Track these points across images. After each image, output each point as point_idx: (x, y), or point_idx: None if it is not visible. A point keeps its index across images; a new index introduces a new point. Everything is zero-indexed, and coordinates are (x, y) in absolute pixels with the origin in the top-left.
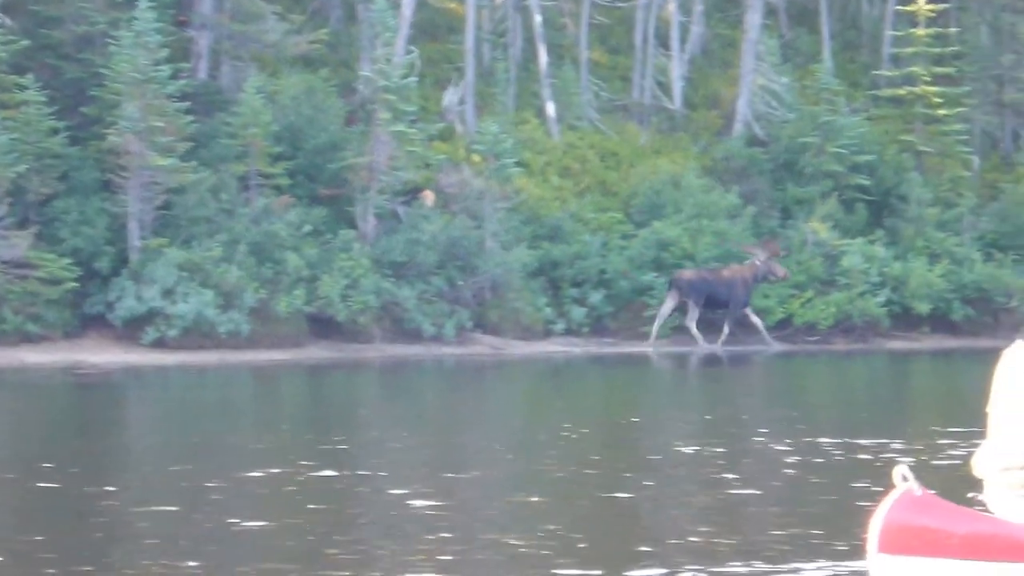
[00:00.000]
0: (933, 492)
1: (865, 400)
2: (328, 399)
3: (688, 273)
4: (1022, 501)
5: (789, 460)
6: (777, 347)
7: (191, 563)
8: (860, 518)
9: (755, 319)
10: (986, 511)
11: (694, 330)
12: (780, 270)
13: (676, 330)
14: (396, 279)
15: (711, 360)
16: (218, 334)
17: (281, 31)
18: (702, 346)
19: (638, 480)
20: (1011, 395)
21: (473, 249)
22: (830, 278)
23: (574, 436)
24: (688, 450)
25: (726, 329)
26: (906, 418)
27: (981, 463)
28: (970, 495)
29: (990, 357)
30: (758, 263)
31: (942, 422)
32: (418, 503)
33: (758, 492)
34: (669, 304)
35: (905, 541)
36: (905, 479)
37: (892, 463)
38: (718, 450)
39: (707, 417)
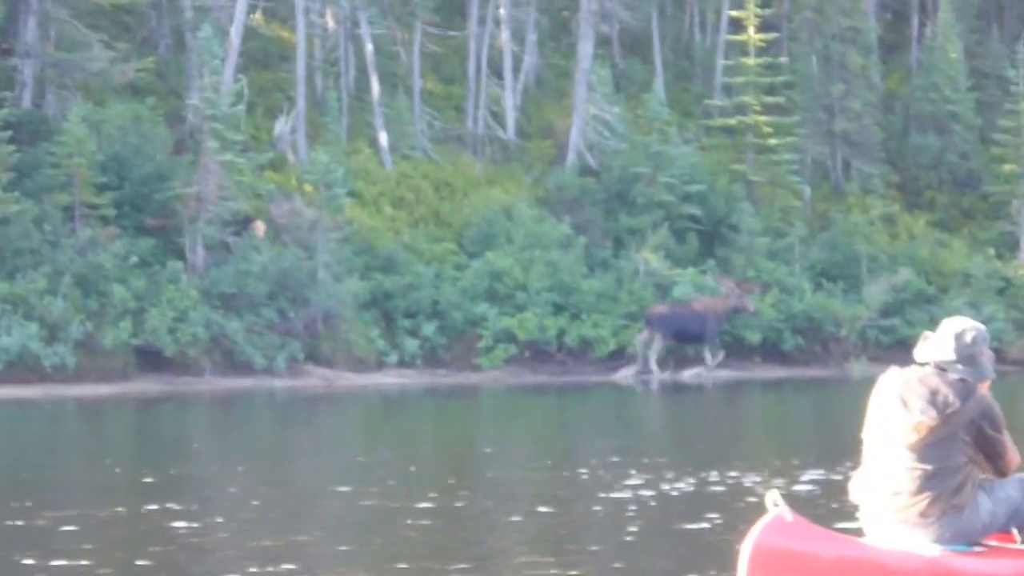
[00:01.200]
0: (804, 517)
1: (701, 431)
2: (156, 434)
3: (660, 308)
4: (900, 526)
5: (627, 492)
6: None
7: None
8: (711, 546)
9: (707, 353)
10: (860, 536)
11: (653, 363)
12: (751, 305)
13: (507, 362)
14: (225, 311)
15: (552, 390)
16: (43, 367)
17: (107, 59)
18: (656, 376)
19: (471, 508)
20: (883, 421)
21: (305, 280)
22: None
23: (411, 468)
24: (522, 480)
25: (709, 357)
26: (739, 448)
27: (858, 489)
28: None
29: (820, 386)
30: (731, 297)
31: (780, 451)
32: (244, 541)
33: (598, 520)
34: (644, 337)
35: (775, 565)
36: (776, 504)
37: (737, 493)
38: (550, 480)
39: (543, 447)
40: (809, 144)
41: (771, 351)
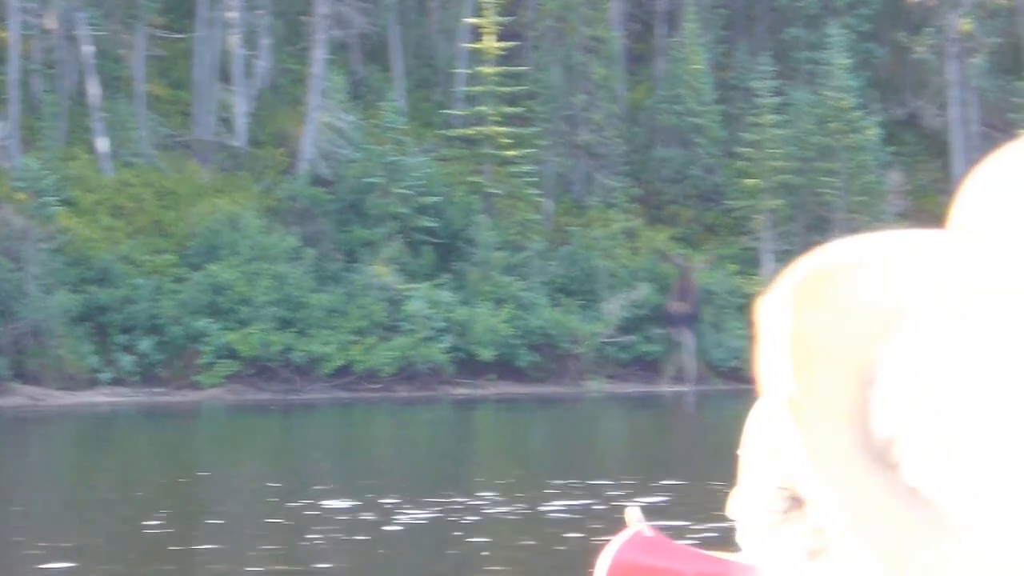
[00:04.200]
0: (664, 533)
1: (427, 452)
2: None
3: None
4: (773, 540)
5: (357, 517)
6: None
7: None
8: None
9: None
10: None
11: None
12: None
13: (229, 379)
14: None
15: (276, 409)
16: None
17: None
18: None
19: (200, 536)
20: (757, 438)
21: (12, 292)
22: (393, 323)
23: (139, 494)
24: (255, 508)
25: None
26: (474, 468)
27: (735, 505)
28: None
29: (555, 403)
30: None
31: (519, 471)
32: None
33: (348, 550)
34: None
35: None
36: (638, 520)
37: (480, 516)
38: (271, 508)
39: (263, 471)
40: (550, 156)
41: (505, 367)
